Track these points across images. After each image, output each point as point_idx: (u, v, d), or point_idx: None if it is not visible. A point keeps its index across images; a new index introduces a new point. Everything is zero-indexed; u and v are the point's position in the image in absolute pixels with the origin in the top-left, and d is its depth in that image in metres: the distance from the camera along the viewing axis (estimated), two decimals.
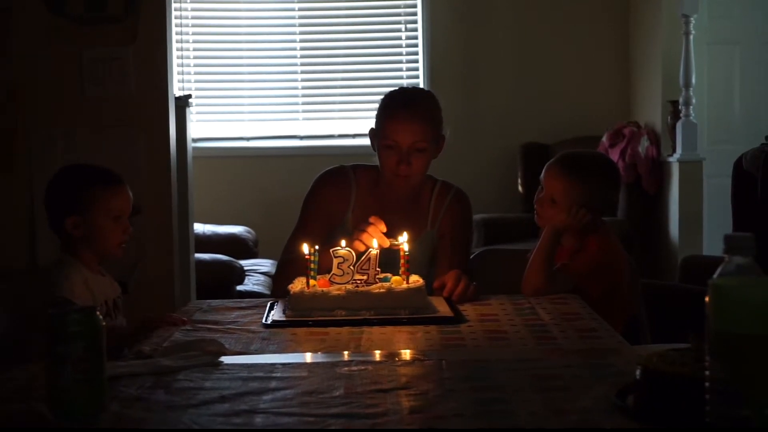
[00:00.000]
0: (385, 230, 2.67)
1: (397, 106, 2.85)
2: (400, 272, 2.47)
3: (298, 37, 6.82)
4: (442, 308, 2.45)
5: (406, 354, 1.98)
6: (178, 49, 6.43)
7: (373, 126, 2.92)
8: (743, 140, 5.95)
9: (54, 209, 2.61)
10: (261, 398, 1.56)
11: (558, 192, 2.77)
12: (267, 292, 4.84)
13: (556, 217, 2.75)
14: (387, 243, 2.60)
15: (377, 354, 1.96)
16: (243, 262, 5.01)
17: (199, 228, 5.42)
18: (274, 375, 1.73)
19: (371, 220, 2.68)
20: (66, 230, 2.57)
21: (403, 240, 2.51)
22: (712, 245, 5.76)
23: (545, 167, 2.85)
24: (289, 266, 2.80)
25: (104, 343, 1.49)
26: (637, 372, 1.44)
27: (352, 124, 6.66)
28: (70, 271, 2.52)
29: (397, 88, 3.00)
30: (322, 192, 2.96)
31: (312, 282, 2.45)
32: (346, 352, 2.01)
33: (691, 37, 5.88)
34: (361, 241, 2.65)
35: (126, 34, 3.66)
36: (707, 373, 1.22)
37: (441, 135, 2.89)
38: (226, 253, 5.04)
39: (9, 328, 2.55)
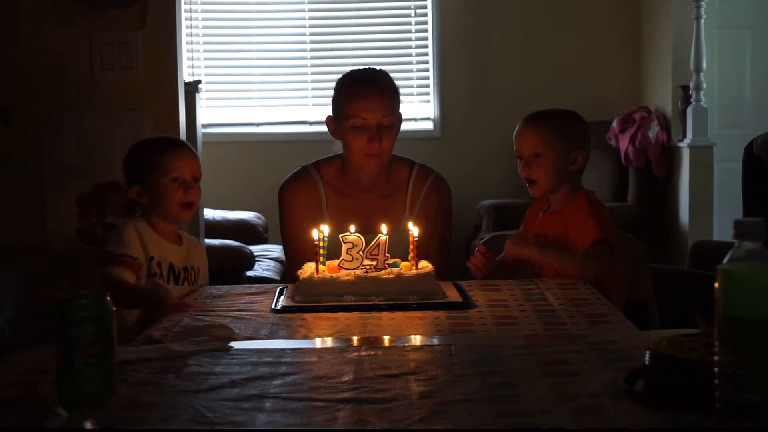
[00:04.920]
0: None
1: (359, 85, 2.82)
2: (410, 258, 2.47)
3: (307, 23, 6.80)
4: (451, 294, 2.46)
5: (415, 339, 1.98)
6: (187, 35, 6.44)
7: (331, 114, 2.88)
8: (754, 125, 5.94)
9: (126, 183, 2.72)
10: (270, 383, 1.57)
11: (537, 143, 2.76)
12: (277, 277, 4.85)
13: (545, 174, 2.73)
14: None
15: (386, 339, 1.97)
16: (253, 248, 5.02)
17: (209, 214, 5.43)
18: (283, 360, 1.73)
19: None
20: (136, 201, 2.68)
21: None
22: (722, 230, 5.75)
23: (514, 136, 2.82)
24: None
25: (114, 327, 1.50)
26: (646, 357, 1.44)
27: None
28: (125, 224, 2.64)
29: (350, 70, 2.94)
30: (291, 201, 2.93)
31: (321, 267, 2.45)
32: (355, 338, 2.01)
33: (702, 21, 5.85)
34: None
35: (135, 18, 3.66)
36: (716, 358, 1.22)
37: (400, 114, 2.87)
38: (236, 239, 5.05)
39: (20, 308, 2.57)
